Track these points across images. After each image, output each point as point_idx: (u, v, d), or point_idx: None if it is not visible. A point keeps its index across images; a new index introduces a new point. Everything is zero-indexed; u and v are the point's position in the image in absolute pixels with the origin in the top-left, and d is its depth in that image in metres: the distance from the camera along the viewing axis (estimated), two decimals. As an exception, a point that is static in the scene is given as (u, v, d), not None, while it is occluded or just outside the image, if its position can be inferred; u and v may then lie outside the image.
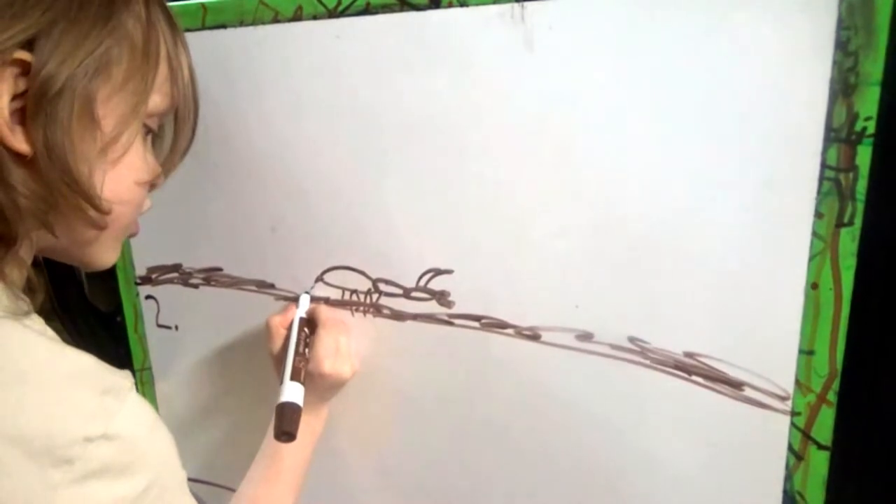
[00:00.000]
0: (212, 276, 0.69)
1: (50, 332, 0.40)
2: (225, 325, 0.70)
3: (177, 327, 0.73)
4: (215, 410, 0.74)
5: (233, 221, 0.65)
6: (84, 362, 0.37)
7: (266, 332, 0.62)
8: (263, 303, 0.66)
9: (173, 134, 0.49)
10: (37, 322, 0.40)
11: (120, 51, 0.40)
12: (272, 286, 0.66)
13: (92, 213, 0.41)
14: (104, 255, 0.47)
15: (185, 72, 0.47)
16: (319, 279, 0.63)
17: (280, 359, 0.60)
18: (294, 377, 0.56)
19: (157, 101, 0.44)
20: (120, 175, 0.42)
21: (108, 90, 0.40)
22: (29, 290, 0.42)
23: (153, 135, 0.47)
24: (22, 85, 0.37)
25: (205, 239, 0.68)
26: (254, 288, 0.67)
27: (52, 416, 0.34)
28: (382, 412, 0.64)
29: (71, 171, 0.38)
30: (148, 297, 0.73)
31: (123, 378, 0.38)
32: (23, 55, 0.37)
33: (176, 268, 0.70)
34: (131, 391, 0.38)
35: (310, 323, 0.62)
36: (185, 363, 0.73)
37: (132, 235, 0.50)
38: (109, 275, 0.73)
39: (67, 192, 0.39)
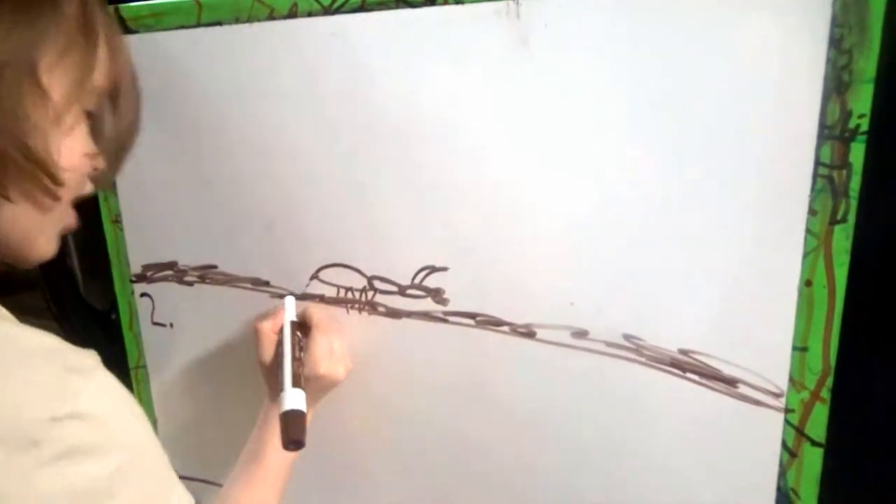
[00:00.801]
0: (207, 274, 0.68)
1: (5, 312, 0.39)
2: (220, 323, 0.69)
3: (172, 325, 0.72)
4: (211, 408, 0.74)
5: (228, 219, 0.65)
6: (45, 341, 0.37)
7: (255, 337, 0.61)
8: (258, 300, 0.66)
9: (114, 123, 0.49)
10: None
11: (58, 27, 0.41)
12: (267, 283, 0.66)
13: (46, 181, 0.40)
14: (41, 245, 0.45)
15: (125, 57, 0.47)
16: (314, 277, 0.63)
17: (271, 365, 0.60)
18: (295, 383, 0.55)
19: (98, 78, 0.44)
20: (72, 145, 0.43)
21: (51, 60, 0.40)
22: None
23: (94, 119, 0.47)
24: None
25: (200, 236, 0.67)
26: (249, 285, 0.67)
27: (13, 398, 0.33)
28: (377, 410, 0.64)
29: (22, 139, 0.39)
30: (143, 294, 0.73)
31: (88, 356, 0.38)
32: None
33: (171, 265, 0.70)
34: (98, 368, 0.37)
35: (300, 325, 0.61)
36: (181, 361, 0.73)
37: (68, 230, 0.48)
38: (104, 273, 0.73)
39: (22, 161, 0.39)
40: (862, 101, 0.42)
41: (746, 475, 0.51)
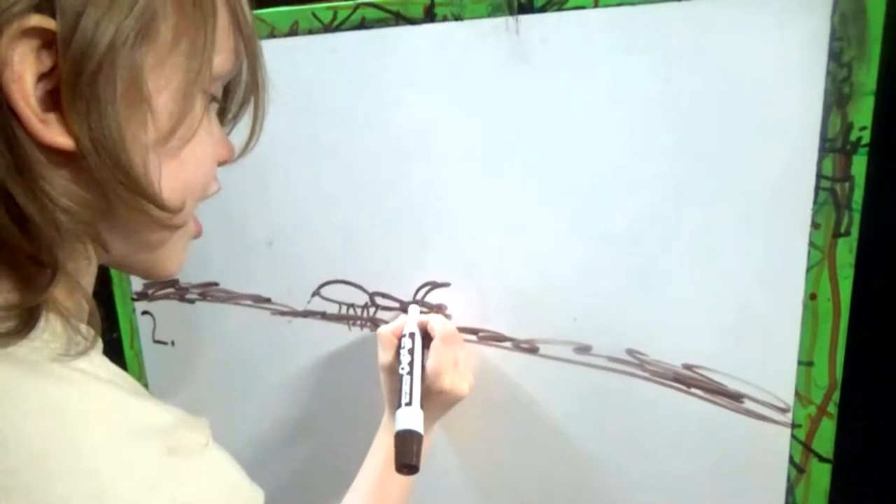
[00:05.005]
0: (208, 291, 0.68)
1: (111, 371, 0.33)
2: (221, 341, 0.69)
3: (173, 343, 0.72)
4: (213, 427, 0.73)
5: (229, 236, 0.65)
6: (149, 414, 0.31)
7: (378, 343, 0.56)
8: (260, 317, 0.66)
9: (242, 98, 0.39)
10: (97, 362, 0.33)
11: (164, 1, 0.30)
12: (268, 301, 0.66)
13: (157, 212, 0.32)
14: (173, 259, 0.38)
15: (248, 12, 0.35)
16: (316, 293, 0.63)
17: (389, 374, 0.55)
18: (411, 401, 0.49)
19: (220, 60, 0.33)
20: (187, 162, 0.33)
21: (157, 56, 0.30)
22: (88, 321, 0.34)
23: (217, 104, 0.38)
24: (47, 60, 0.27)
25: (201, 254, 0.67)
26: (250, 302, 0.66)
27: (105, 484, 0.28)
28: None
29: (125, 164, 0.29)
30: (144, 312, 0.72)
31: (199, 430, 0.33)
32: (42, 21, 0.27)
33: (172, 283, 0.70)
34: (207, 448, 0.33)
35: (422, 337, 0.56)
36: (182, 379, 0.73)
37: (196, 236, 0.41)
38: (105, 291, 0.73)
39: (124, 193, 0.30)
40: (863, 114, 0.42)
41: (754, 492, 0.51)
